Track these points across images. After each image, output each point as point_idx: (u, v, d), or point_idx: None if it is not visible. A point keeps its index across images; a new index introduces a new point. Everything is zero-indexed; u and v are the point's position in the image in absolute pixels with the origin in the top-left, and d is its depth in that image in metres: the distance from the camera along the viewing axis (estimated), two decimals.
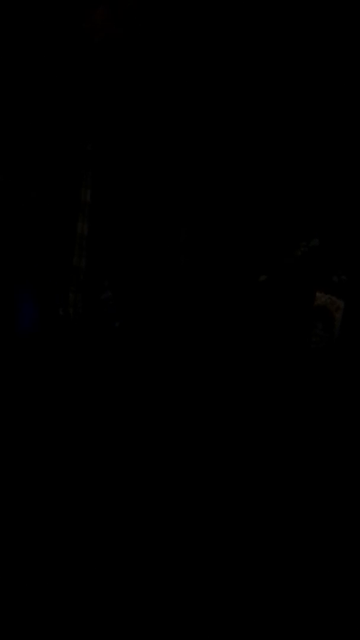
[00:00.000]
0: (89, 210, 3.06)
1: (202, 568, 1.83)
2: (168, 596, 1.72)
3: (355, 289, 2.63)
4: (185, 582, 1.77)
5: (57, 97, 2.99)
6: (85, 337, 3.11)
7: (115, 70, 2.96)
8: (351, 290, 2.66)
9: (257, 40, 2.84)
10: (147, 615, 1.64)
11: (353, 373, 2.53)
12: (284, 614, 1.66)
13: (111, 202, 3.09)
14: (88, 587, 1.74)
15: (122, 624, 1.61)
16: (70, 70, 2.97)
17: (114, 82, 3.00)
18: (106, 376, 2.93)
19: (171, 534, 1.98)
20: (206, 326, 2.99)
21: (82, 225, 3.07)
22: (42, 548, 1.88)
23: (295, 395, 2.64)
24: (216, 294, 3.04)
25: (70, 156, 3.08)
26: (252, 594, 1.74)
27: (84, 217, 3.07)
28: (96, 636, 1.56)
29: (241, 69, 2.91)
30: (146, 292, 3.11)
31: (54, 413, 2.70)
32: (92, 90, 3.00)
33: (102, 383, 2.90)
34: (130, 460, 2.39)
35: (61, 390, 2.87)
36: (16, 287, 3.07)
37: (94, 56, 2.91)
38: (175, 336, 3.01)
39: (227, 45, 2.88)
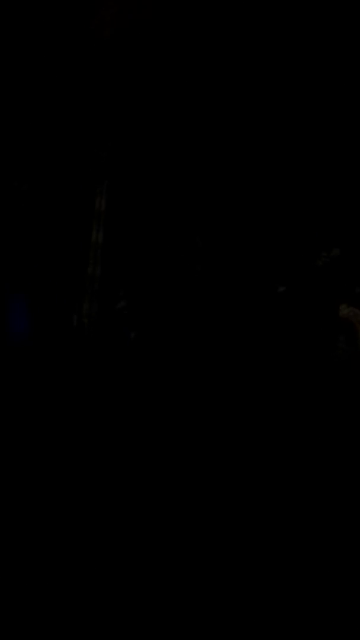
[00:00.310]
0: (104, 219, 3.01)
1: (202, 567, 1.81)
2: (168, 595, 1.71)
3: None
4: (185, 582, 1.75)
5: (70, 102, 2.95)
6: (99, 347, 3.05)
7: (126, 66, 2.91)
8: None
9: (284, 31, 2.77)
10: (147, 615, 1.63)
11: None
12: (284, 613, 1.65)
13: (126, 210, 3.03)
14: (88, 586, 1.72)
15: (122, 623, 1.60)
16: (81, 69, 2.92)
17: (127, 81, 2.95)
18: (121, 387, 2.87)
19: (172, 532, 1.95)
20: (223, 338, 2.91)
21: (97, 233, 3.01)
22: (42, 547, 1.86)
23: (318, 410, 2.55)
24: (233, 305, 2.96)
25: (85, 164, 3.03)
26: (252, 593, 1.73)
27: (99, 226, 3.02)
28: (96, 636, 1.54)
29: (267, 75, 2.84)
30: (162, 303, 3.05)
31: (64, 420, 2.64)
32: (105, 92, 2.95)
33: (117, 393, 2.83)
34: (145, 473, 2.32)
35: (74, 400, 2.81)
36: (27, 296, 3.02)
37: (105, 53, 2.86)
38: (192, 347, 2.94)
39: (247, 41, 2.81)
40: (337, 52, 2.72)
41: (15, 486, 2.23)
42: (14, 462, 2.37)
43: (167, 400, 2.80)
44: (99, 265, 3.04)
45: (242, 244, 2.98)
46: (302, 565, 1.86)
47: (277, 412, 2.61)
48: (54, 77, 2.90)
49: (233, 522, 2.08)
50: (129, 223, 3.06)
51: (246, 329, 2.86)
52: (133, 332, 3.09)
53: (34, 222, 3.02)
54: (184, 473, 2.35)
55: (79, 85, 2.94)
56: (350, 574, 1.83)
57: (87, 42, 2.83)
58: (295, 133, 2.89)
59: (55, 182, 3.04)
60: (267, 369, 2.76)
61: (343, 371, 2.60)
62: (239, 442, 2.52)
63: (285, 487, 2.26)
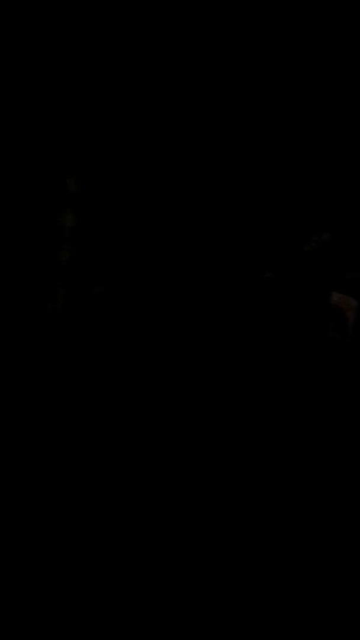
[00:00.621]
0: (78, 200, 2.73)
1: (202, 567, 1.80)
2: (168, 595, 1.69)
3: None
4: (185, 581, 1.74)
5: (39, 69, 2.58)
6: (74, 334, 2.86)
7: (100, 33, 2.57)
8: None
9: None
10: (147, 615, 1.62)
11: None
12: (284, 613, 1.64)
13: (102, 190, 2.76)
14: (88, 585, 1.71)
15: (122, 623, 1.58)
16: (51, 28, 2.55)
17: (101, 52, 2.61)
18: (97, 377, 2.72)
19: (172, 531, 1.94)
20: (207, 326, 2.78)
21: (70, 215, 2.74)
22: (42, 545, 1.84)
23: (306, 399, 2.51)
24: (218, 289, 2.82)
25: (56, 141, 2.71)
26: (252, 592, 1.72)
27: (72, 207, 2.74)
28: (96, 636, 1.53)
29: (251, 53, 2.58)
30: (142, 288, 2.86)
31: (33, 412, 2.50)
32: (78, 58, 2.60)
33: (92, 384, 2.68)
34: (127, 467, 2.24)
35: (44, 390, 2.65)
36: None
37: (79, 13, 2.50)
38: (174, 336, 2.80)
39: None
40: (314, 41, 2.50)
41: None
42: None
43: (147, 389, 2.68)
44: (73, 249, 2.79)
45: (229, 226, 2.81)
46: (302, 565, 1.85)
47: (263, 399, 2.56)
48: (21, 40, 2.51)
49: (232, 514, 2.05)
50: (106, 203, 2.80)
51: (231, 316, 2.75)
52: (110, 319, 2.91)
53: (6, 204, 2.71)
54: (171, 458, 2.28)
55: (49, 50, 2.58)
56: (350, 573, 1.82)
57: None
58: (281, 111, 2.68)
59: (23, 159, 2.72)
60: (253, 355, 2.68)
61: (331, 359, 2.56)
62: (226, 429, 2.46)
63: (279, 475, 2.24)
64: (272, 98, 2.65)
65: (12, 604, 1.60)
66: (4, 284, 2.82)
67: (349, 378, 2.55)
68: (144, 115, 2.70)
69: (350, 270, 2.61)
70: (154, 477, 2.24)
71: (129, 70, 2.65)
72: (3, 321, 2.83)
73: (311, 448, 2.39)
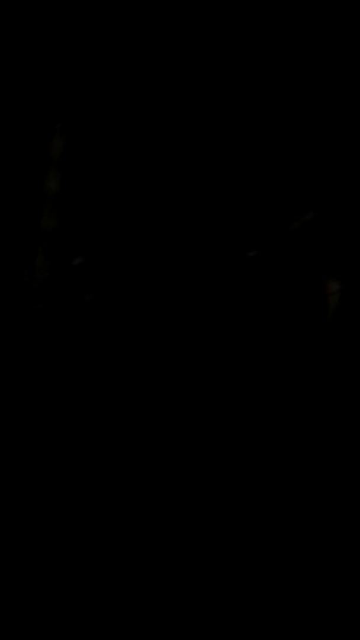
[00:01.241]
0: (61, 163, 2.68)
1: (203, 567, 1.78)
2: (168, 595, 1.67)
3: (355, 271, 2.43)
4: (185, 581, 1.72)
5: (24, 25, 2.56)
6: (52, 308, 2.79)
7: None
8: (350, 272, 2.46)
9: None
10: (147, 615, 1.61)
11: (349, 363, 2.35)
12: (284, 613, 1.62)
13: (87, 154, 2.72)
14: (88, 585, 1.69)
15: (121, 623, 1.58)
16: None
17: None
18: (73, 359, 2.64)
19: (172, 531, 1.93)
20: (190, 303, 2.72)
21: (52, 181, 2.69)
22: (42, 544, 1.82)
23: (288, 386, 2.45)
24: (200, 267, 2.77)
25: (39, 100, 2.67)
26: (253, 593, 1.70)
27: (55, 172, 2.69)
28: (96, 636, 1.53)
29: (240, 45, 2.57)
30: (125, 261, 2.81)
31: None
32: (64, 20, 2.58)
33: (67, 366, 2.60)
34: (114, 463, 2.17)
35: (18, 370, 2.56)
36: None
37: None
38: (156, 313, 2.74)
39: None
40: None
41: None
42: None
43: (127, 371, 2.60)
44: (54, 216, 2.73)
45: (213, 202, 2.77)
46: (302, 564, 1.82)
47: (246, 387, 2.50)
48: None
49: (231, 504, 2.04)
50: (90, 168, 2.76)
51: (215, 295, 2.69)
52: (90, 293, 2.84)
53: None
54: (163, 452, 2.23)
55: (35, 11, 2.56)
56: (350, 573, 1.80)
57: None
58: (261, 91, 2.66)
59: (9, 121, 2.68)
60: (235, 339, 2.62)
61: (312, 343, 2.51)
62: (214, 421, 2.40)
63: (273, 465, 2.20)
64: (251, 78, 2.63)
65: (12, 603, 1.59)
66: None
67: (329, 364, 2.50)
68: (135, 73, 2.68)
69: (334, 252, 2.57)
70: (153, 476, 2.19)
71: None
72: None
73: (291, 436, 2.34)
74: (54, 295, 2.79)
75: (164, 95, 2.69)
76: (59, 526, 1.91)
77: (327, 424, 2.30)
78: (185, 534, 1.90)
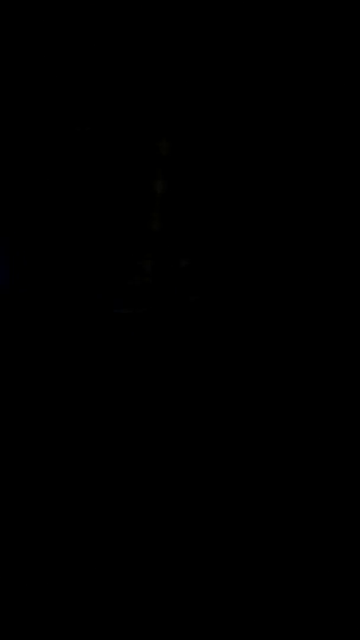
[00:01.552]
0: (167, 168, 2.66)
1: (203, 567, 1.75)
2: (168, 595, 1.66)
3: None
4: (185, 581, 1.70)
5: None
6: (159, 311, 2.79)
7: None
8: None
9: None
10: (147, 615, 1.60)
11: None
12: (284, 613, 1.61)
13: (193, 158, 2.66)
14: (88, 585, 1.69)
15: (122, 623, 1.57)
16: None
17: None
18: (176, 359, 2.62)
19: (172, 531, 1.89)
20: (293, 307, 2.54)
21: (160, 182, 2.68)
22: (42, 544, 1.83)
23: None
24: (303, 267, 2.56)
25: (149, 103, 2.67)
26: (253, 593, 1.68)
27: (162, 174, 2.68)
28: (96, 636, 1.52)
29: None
30: (230, 263, 2.70)
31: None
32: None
33: (170, 365, 2.59)
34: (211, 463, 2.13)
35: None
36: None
37: None
38: (263, 315, 2.60)
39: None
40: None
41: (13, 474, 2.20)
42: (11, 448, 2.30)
43: (229, 372, 2.50)
44: (160, 219, 2.72)
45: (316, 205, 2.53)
46: (302, 564, 1.78)
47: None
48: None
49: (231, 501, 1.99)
50: (196, 171, 2.69)
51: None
52: (194, 295, 2.79)
53: (93, 168, 2.74)
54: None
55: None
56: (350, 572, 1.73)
57: None
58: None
59: (118, 124, 2.73)
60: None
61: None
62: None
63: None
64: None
65: (12, 603, 1.59)
66: (90, 257, 2.86)
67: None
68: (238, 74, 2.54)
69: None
70: (153, 475, 2.16)
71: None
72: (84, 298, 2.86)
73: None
74: (160, 297, 2.80)
75: (271, 100, 2.51)
76: (59, 526, 1.91)
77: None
78: (185, 534, 1.87)
